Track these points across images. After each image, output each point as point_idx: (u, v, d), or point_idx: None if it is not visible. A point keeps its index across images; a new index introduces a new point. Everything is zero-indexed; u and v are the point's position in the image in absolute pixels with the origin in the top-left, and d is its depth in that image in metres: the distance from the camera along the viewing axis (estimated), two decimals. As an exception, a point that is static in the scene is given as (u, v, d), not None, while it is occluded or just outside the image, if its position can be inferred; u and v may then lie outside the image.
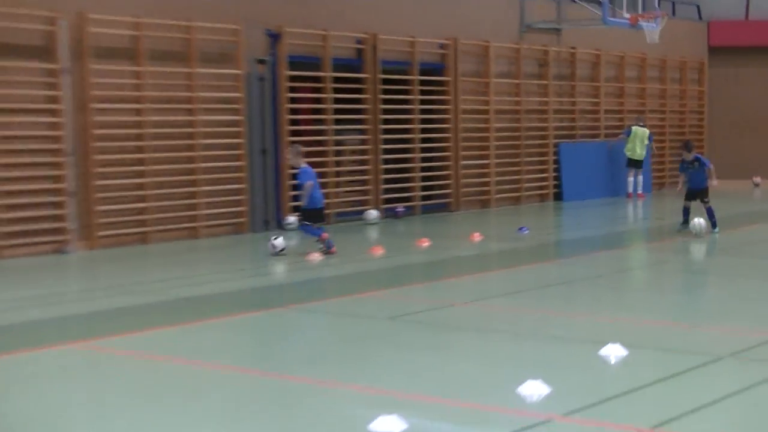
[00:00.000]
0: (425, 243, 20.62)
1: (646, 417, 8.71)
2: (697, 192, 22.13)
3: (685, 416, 8.78)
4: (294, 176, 20.19)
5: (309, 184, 19.05)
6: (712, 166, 22.26)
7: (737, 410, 9.19)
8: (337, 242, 19.22)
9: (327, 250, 18.85)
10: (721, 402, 9.31)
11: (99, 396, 10.01)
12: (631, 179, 31.62)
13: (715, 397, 9.39)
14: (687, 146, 23.04)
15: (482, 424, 8.62)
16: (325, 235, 19.06)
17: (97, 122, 20.08)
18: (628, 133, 31.24)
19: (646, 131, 31.45)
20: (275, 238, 19.02)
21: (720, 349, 11.27)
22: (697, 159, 22.47)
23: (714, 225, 21.83)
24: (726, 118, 37.11)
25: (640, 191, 31.32)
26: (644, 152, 31.35)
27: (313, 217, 19.22)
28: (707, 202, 22.01)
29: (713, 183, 22.31)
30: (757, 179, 36.15)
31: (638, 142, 31.25)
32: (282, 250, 18.86)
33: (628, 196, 31.50)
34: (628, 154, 31.35)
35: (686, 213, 22.05)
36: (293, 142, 20.71)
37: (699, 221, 21.50)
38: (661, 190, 31.98)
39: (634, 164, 31.49)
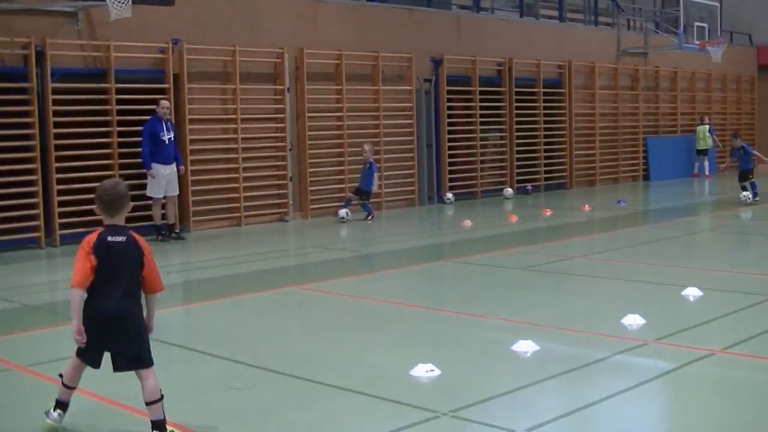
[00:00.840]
0: (548, 212, 20.45)
1: (719, 341, 8.55)
2: (745, 172, 21.90)
3: (748, 340, 8.61)
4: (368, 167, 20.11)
5: (377, 175, 19.96)
6: (756, 152, 22.06)
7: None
8: (482, 213, 19.22)
9: (370, 217, 19.51)
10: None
11: (308, 324, 10.15)
12: (697, 164, 31.15)
13: (771, 327, 9.19)
14: (735, 135, 22.83)
15: (595, 346, 8.53)
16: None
17: (309, 127, 20.30)
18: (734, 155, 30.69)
19: (706, 127, 30.90)
20: (341, 209, 19.53)
21: (772, 291, 11.02)
22: (743, 147, 22.13)
23: (755, 195, 21.47)
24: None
25: (707, 173, 30.73)
26: (708, 143, 30.83)
27: (368, 196, 19.80)
28: (752, 179, 21.75)
29: (765, 162, 22.39)
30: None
31: (701, 136, 30.79)
32: (342, 219, 19.17)
33: (694, 175, 31.02)
34: (696, 146, 30.93)
35: (744, 189, 21.64)
36: (372, 142, 20.70)
37: (746, 194, 21.35)
38: (723, 173, 31.25)
39: (701, 153, 30.98)
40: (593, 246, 16.12)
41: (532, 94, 25.97)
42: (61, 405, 6.41)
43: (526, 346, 8.37)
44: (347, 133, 21.04)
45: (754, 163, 21.99)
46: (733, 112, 34.88)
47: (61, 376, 6.41)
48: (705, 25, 29.70)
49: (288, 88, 19.84)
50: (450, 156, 23.71)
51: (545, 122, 26.44)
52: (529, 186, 25.80)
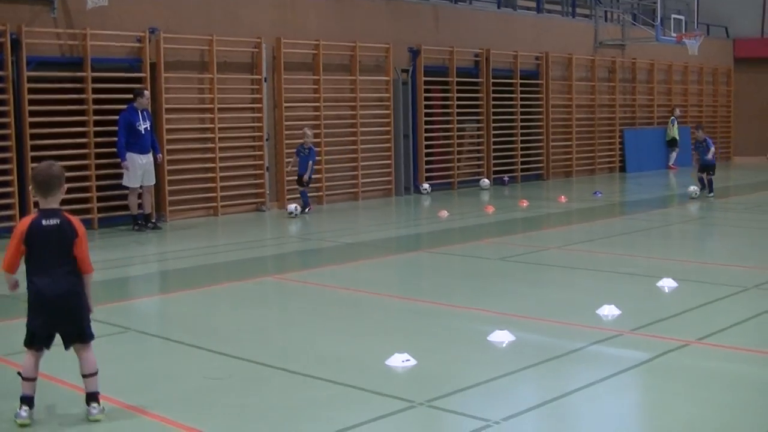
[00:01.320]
0: (525, 203, 20.50)
1: (693, 332, 8.61)
2: (707, 166, 21.65)
3: (722, 331, 8.67)
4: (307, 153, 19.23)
5: (314, 161, 19.16)
6: (713, 147, 21.88)
7: (761, 327, 9.05)
8: (459, 204, 19.23)
9: (307, 209, 19.01)
10: (748, 321, 9.17)
11: (285, 314, 10.16)
12: (672, 155, 31.73)
13: (745, 317, 9.25)
14: (698, 128, 22.66)
15: (570, 336, 8.57)
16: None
17: (287, 117, 20.26)
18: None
19: (672, 118, 31.76)
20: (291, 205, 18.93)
21: (746, 282, 11.08)
22: (705, 140, 21.87)
23: (711, 191, 21.48)
24: (747, 110, 36.50)
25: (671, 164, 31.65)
26: (671, 135, 31.68)
27: (306, 183, 19.08)
28: (712, 175, 21.58)
29: (708, 157, 21.65)
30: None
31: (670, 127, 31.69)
32: (291, 213, 18.65)
33: (669, 168, 31.42)
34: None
35: (701, 182, 21.69)
36: (311, 126, 19.86)
37: (693, 188, 21.45)
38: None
39: (670, 144, 31.74)
40: (569, 237, 16.17)
41: (510, 85, 26.00)
42: (27, 400, 6.41)
43: (502, 337, 8.40)
44: (324, 123, 21.01)
45: (715, 159, 21.94)
46: (709, 105, 35.09)
47: (19, 374, 6.45)
48: (682, 17, 29.78)
49: (265, 78, 19.79)
50: (427, 146, 23.71)
51: (522, 113, 26.48)
52: (505, 177, 25.84)
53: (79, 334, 6.48)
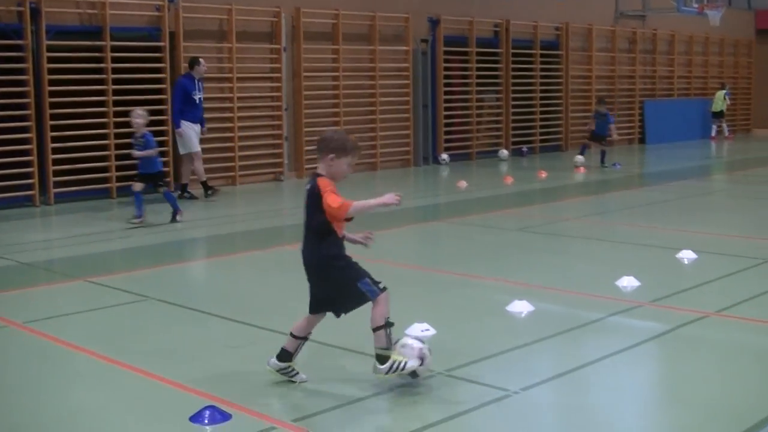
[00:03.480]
0: (543, 174, 20.46)
1: (712, 304, 8.60)
2: (599, 137, 22.05)
3: (741, 303, 8.65)
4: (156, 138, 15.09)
5: (156, 150, 14.30)
6: (613, 124, 22.36)
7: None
8: (478, 174, 19.18)
9: (176, 215, 14.21)
10: (767, 293, 9.15)
11: (304, 284, 10.17)
12: (715, 126, 32.10)
13: (765, 289, 9.23)
14: (601, 102, 22.77)
15: (589, 307, 8.57)
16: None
17: (306, 86, 20.25)
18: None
19: (723, 92, 31.96)
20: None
21: (765, 254, 11.05)
22: (605, 114, 22.14)
23: (602, 162, 21.99)
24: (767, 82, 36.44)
25: (726, 134, 32.27)
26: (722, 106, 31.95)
27: (157, 179, 14.25)
28: (605, 145, 22.20)
29: (614, 136, 22.65)
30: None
31: (719, 99, 31.95)
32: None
33: (712, 138, 31.87)
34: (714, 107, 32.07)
35: (582, 153, 22.21)
36: (142, 107, 14.74)
37: (579, 158, 21.96)
38: (721, 136, 31.50)
39: (717, 115, 32.11)
40: (588, 208, 16.14)
41: (529, 56, 25.90)
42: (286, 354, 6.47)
43: (520, 307, 8.42)
44: (343, 93, 21.00)
45: (609, 133, 22.18)
46: (730, 76, 34.87)
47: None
48: (704, -12, 29.62)
49: (284, 48, 19.78)
50: (446, 117, 23.68)
51: (542, 84, 26.40)
52: (524, 148, 25.79)
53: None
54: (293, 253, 11.82)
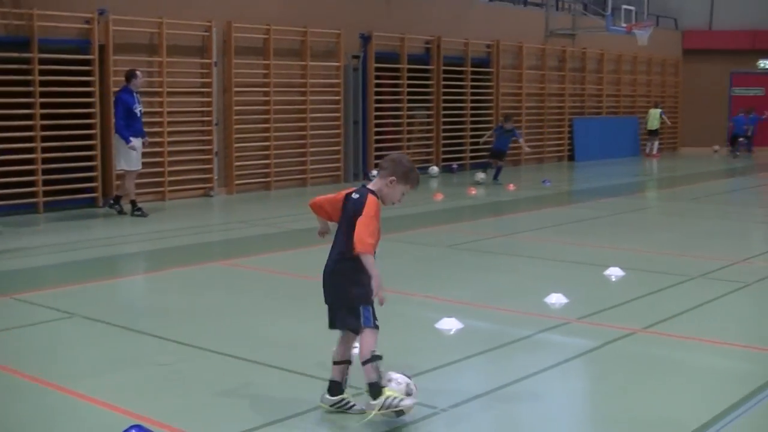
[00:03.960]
0: (473, 191, 20.57)
1: (639, 320, 8.70)
2: (499, 152, 22.51)
3: (668, 320, 8.78)
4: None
5: None
6: (522, 140, 23.10)
7: (706, 315, 9.16)
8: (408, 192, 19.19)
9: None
10: (694, 309, 9.29)
11: (232, 300, 10.12)
12: (648, 144, 32.97)
13: (691, 306, 9.37)
14: (507, 118, 22.81)
15: (518, 324, 8.63)
16: None
17: (236, 101, 20.16)
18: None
19: (658, 110, 32.74)
20: None
21: (692, 271, 11.22)
22: (512, 130, 22.52)
23: (496, 178, 22.28)
24: (695, 102, 37.04)
25: (655, 152, 32.83)
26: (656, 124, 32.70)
27: None
28: (503, 162, 22.67)
29: (526, 150, 23.90)
30: (716, 147, 36.30)
31: (653, 117, 32.61)
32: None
33: (646, 155, 32.61)
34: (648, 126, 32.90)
35: (488, 167, 22.62)
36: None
37: (481, 175, 22.31)
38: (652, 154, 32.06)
39: (652, 133, 32.87)
40: (518, 225, 16.25)
41: (460, 72, 26.07)
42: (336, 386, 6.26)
43: (450, 324, 8.44)
44: (274, 108, 20.93)
45: (520, 147, 23.06)
46: (657, 95, 35.41)
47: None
48: (632, 8, 30.04)
49: (215, 62, 19.68)
50: (377, 133, 23.74)
51: (472, 101, 26.58)
52: (454, 164, 25.92)
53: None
54: (222, 269, 11.82)
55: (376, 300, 6.07)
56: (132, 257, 13.00)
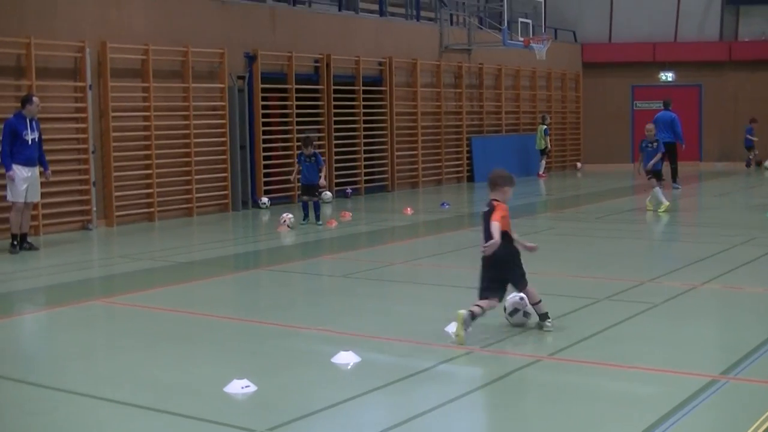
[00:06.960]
0: (346, 216, 20.58)
1: (545, 347, 8.82)
2: (310, 187, 19.42)
3: (574, 345, 8.89)
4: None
5: None
6: (323, 164, 19.74)
7: (614, 339, 9.28)
8: (300, 218, 19.17)
9: None
10: (600, 333, 9.42)
11: (113, 340, 9.96)
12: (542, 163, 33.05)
13: (597, 330, 9.50)
14: (305, 142, 19.53)
15: (419, 355, 8.65)
16: None
17: (114, 127, 19.87)
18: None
19: (543, 127, 32.82)
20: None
21: (597, 293, 11.39)
22: (314, 155, 19.40)
23: (318, 218, 19.27)
24: (595, 117, 37.79)
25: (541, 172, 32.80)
26: (542, 144, 32.86)
27: None
28: (318, 196, 19.73)
29: (321, 182, 19.35)
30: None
31: (539, 136, 32.83)
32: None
33: (540, 176, 32.63)
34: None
35: (306, 207, 19.61)
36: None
37: (287, 215, 18.99)
38: (550, 173, 32.53)
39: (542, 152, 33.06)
40: (416, 251, 16.33)
41: (352, 92, 26.14)
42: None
43: (346, 358, 8.41)
44: (155, 134, 20.69)
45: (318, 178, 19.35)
46: (558, 111, 35.99)
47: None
48: (529, 21, 30.56)
49: (90, 85, 19.39)
50: (265, 158, 23.65)
51: (365, 122, 26.65)
52: (348, 189, 25.94)
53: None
54: (102, 307, 11.62)
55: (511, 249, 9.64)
56: (1, 298, 12.71)
